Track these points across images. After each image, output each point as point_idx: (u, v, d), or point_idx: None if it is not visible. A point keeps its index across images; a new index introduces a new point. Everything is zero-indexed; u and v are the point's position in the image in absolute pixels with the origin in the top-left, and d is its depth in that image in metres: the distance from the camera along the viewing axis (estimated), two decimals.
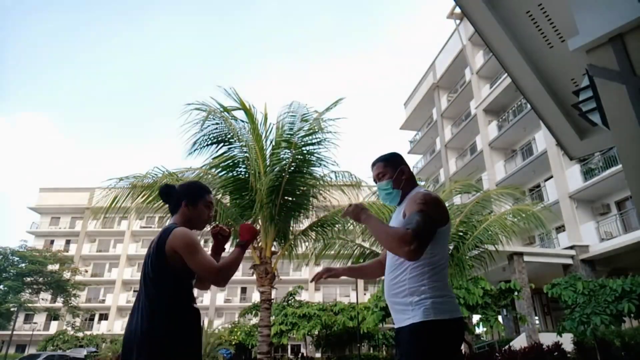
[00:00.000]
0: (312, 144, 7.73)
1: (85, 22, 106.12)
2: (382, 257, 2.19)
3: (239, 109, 7.75)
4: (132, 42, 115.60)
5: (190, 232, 1.97)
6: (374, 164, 2.14)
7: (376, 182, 2.13)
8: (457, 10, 25.31)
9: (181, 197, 2.14)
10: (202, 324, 2.00)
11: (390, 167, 2.08)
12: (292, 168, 7.80)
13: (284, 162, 7.68)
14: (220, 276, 1.93)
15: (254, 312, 26.18)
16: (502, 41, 3.15)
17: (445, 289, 1.82)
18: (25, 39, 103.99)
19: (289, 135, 7.74)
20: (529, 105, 10.48)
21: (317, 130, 7.54)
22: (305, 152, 7.77)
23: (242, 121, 7.88)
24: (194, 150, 7.45)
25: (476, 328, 16.74)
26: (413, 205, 1.84)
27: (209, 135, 7.54)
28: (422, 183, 10.34)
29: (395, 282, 1.86)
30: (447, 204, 10.42)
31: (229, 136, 7.66)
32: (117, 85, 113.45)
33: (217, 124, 7.55)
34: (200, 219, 2.16)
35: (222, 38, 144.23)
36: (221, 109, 7.60)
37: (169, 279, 1.89)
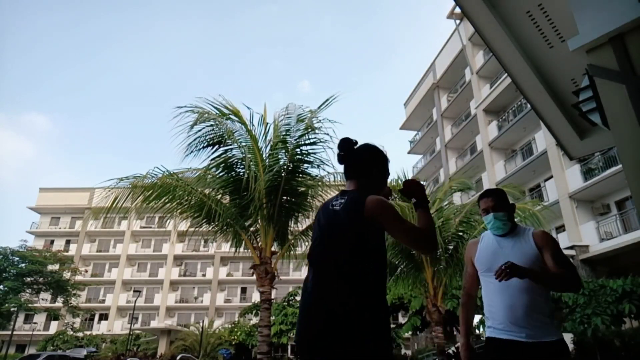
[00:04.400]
0: (308, 144, 7.74)
1: (86, 23, 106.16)
2: (469, 289, 2.56)
3: (232, 112, 7.76)
4: (133, 43, 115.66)
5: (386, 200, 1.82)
6: (486, 196, 2.48)
7: (487, 211, 2.43)
8: (457, 10, 25.28)
9: (372, 164, 1.95)
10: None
11: (506, 202, 2.45)
12: (290, 168, 7.80)
13: (282, 162, 7.68)
14: (432, 242, 1.79)
15: (254, 312, 26.18)
16: (502, 41, 3.15)
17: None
18: (26, 41, 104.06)
19: (285, 136, 7.74)
20: (529, 105, 10.49)
21: (311, 130, 7.54)
22: (302, 152, 7.78)
23: (239, 122, 7.88)
24: (190, 153, 7.43)
25: (476, 330, 16.71)
26: (553, 245, 2.35)
27: (205, 137, 7.52)
28: (422, 183, 10.30)
29: (534, 303, 2.20)
30: (445, 203, 10.50)
31: (224, 138, 7.65)
32: (119, 85, 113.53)
33: (211, 126, 7.53)
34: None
35: (223, 39, 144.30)
36: (216, 112, 7.59)
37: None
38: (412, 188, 1.94)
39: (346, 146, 1.96)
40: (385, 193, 1.95)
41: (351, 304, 1.62)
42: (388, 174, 2.01)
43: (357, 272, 1.68)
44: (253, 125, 7.90)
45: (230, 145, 7.69)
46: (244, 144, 7.77)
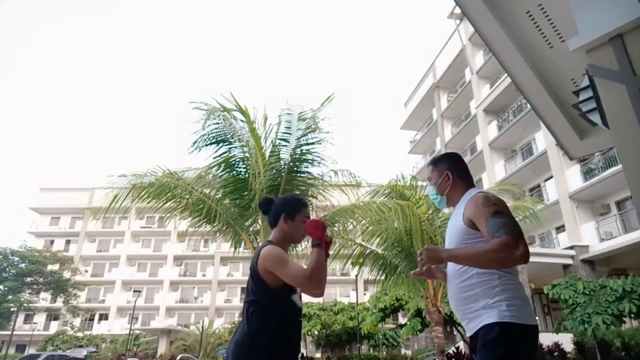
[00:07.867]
0: (310, 144, 7.74)
1: (87, 23, 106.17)
2: None
3: (237, 110, 7.75)
4: (134, 42, 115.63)
5: (274, 248, 1.97)
6: (428, 167, 2.12)
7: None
8: (457, 10, 25.29)
9: (279, 210, 2.13)
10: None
11: (437, 171, 2.04)
12: (291, 167, 7.80)
13: (282, 161, 7.69)
14: (312, 283, 1.85)
15: None
16: (502, 41, 3.15)
17: (519, 291, 1.73)
18: (27, 41, 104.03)
19: (287, 135, 7.75)
20: (529, 105, 10.49)
21: (313, 129, 7.54)
22: (303, 151, 7.78)
23: (242, 121, 7.87)
24: (195, 150, 7.42)
25: None
26: (479, 209, 1.74)
27: (210, 134, 7.52)
28: (422, 183, 10.32)
29: (464, 287, 1.78)
30: None
31: (228, 136, 7.65)
32: (119, 85, 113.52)
33: (217, 123, 7.54)
34: (298, 232, 2.12)
35: (224, 39, 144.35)
36: (222, 109, 7.59)
37: (271, 299, 1.93)
38: (310, 229, 2.00)
39: (262, 207, 2.22)
40: (301, 232, 2.12)
41: (239, 342, 1.90)
42: (297, 212, 2.12)
43: (248, 315, 1.96)
44: (256, 120, 7.91)
45: (234, 143, 7.69)
46: (247, 142, 7.75)
